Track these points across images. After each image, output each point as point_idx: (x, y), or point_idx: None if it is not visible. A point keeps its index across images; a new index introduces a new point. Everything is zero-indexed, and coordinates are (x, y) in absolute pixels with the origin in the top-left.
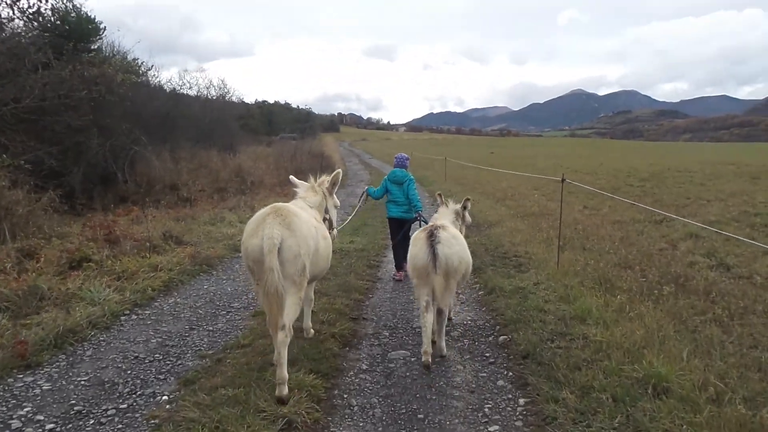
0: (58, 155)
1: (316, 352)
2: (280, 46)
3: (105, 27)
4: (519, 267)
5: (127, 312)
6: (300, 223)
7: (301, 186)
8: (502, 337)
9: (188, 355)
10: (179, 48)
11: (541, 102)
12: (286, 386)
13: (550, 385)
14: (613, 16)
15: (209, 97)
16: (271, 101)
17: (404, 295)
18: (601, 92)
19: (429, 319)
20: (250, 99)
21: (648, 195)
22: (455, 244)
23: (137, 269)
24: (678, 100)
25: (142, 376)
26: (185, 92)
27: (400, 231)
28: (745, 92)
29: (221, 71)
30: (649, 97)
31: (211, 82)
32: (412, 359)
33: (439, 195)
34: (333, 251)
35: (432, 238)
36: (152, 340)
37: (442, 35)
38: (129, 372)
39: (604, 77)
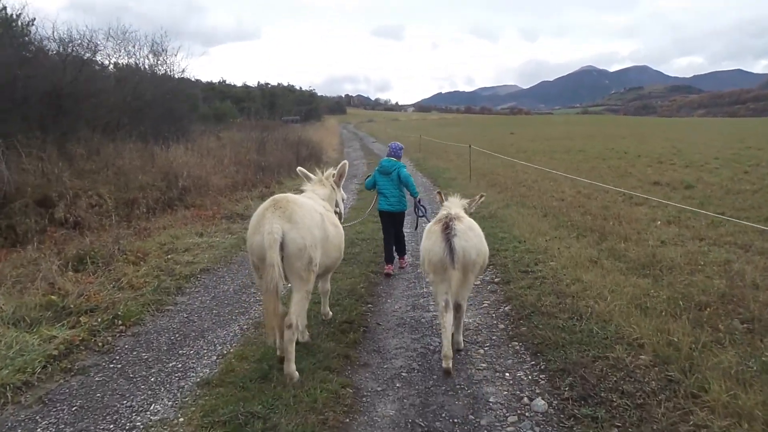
0: None
1: None
2: (288, 29)
3: None
4: None
5: None
6: (303, 213)
7: (312, 179)
8: None
9: None
10: (186, 33)
11: (551, 79)
12: (296, 375)
13: None
14: None
15: (143, 68)
16: (275, 83)
17: None
18: (613, 68)
19: (449, 320)
20: (252, 82)
21: None
22: (473, 237)
23: None
24: (691, 75)
25: None
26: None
27: (391, 224)
28: (761, 66)
29: (227, 55)
30: (661, 73)
31: (136, 44)
32: None
33: (439, 193)
34: None
35: (448, 230)
36: None
37: (450, 13)
38: None
39: (616, 53)
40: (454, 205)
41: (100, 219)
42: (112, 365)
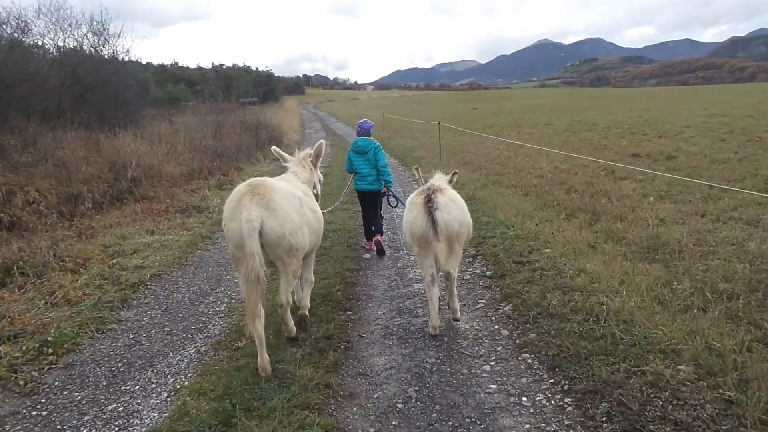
0: None
1: None
2: (241, 7)
3: None
4: None
5: None
6: (281, 200)
7: (290, 160)
8: None
9: None
10: (133, 12)
11: (508, 54)
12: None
13: None
14: None
15: (84, 49)
16: (230, 65)
17: None
18: (568, 41)
19: (435, 293)
20: (206, 63)
21: None
22: (454, 209)
23: None
24: (642, 46)
25: None
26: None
27: (370, 203)
28: (709, 35)
29: (179, 37)
30: (614, 44)
31: (72, 22)
32: None
33: (416, 169)
34: None
35: (429, 204)
36: None
37: None
38: None
39: (571, 26)
40: (440, 180)
41: (39, 218)
42: (35, 413)
